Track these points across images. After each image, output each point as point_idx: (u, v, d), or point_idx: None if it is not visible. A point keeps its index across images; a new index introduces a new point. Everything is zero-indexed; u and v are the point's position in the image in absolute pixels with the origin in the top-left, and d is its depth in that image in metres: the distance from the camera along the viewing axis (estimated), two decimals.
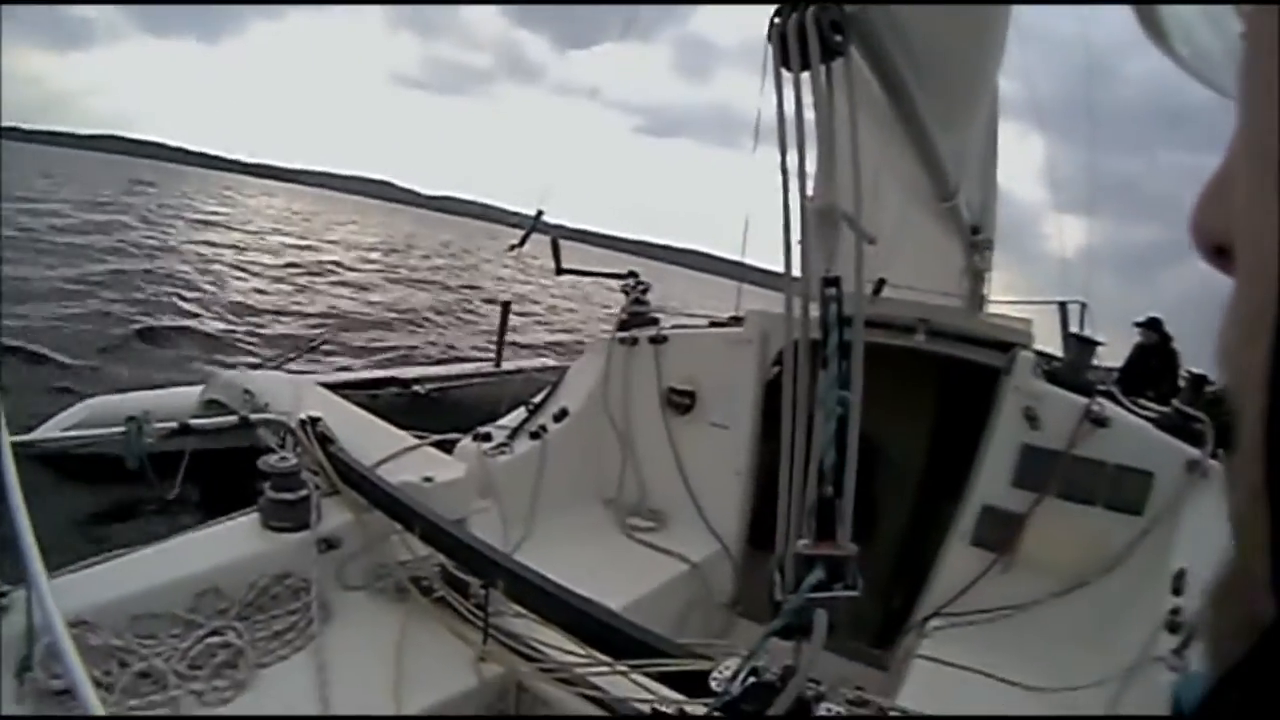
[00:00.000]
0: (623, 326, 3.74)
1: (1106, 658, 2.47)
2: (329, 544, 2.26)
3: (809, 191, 1.67)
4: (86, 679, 1.40)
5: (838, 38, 1.56)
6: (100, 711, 1.37)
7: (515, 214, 5.32)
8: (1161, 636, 2.27)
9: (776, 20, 1.60)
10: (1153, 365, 8.46)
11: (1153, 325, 8.91)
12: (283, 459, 2.33)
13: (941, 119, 2.66)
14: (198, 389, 3.89)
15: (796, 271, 1.61)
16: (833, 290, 1.59)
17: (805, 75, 1.60)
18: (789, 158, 1.61)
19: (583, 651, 1.89)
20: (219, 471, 2.79)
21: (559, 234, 4.12)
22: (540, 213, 5.00)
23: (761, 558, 3.43)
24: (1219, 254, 0.33)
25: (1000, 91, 5.47)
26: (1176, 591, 2.41)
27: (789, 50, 1.55)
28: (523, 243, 5.10)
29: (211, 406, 3.50)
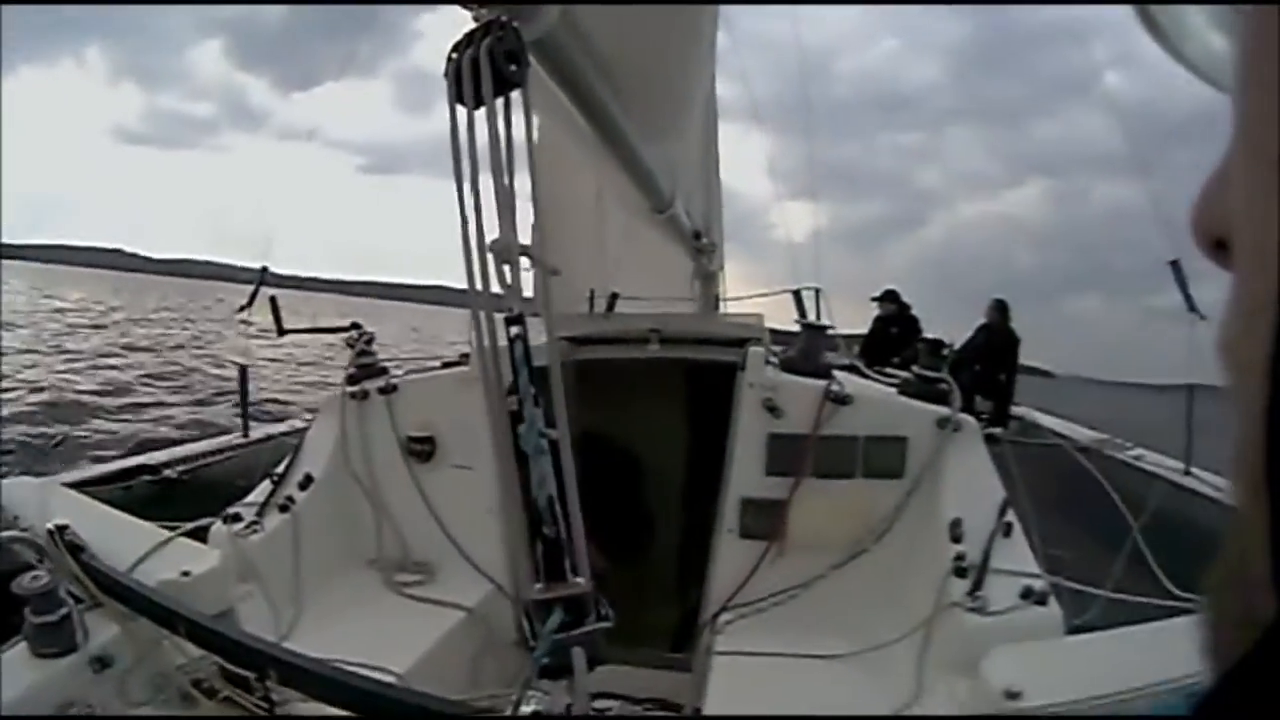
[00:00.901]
0: (351, 380, 3.52)
1: (903, 613, 2.55)
2: (102, 662, 2.06)
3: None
4: None
5: (513, 67, 1.47)
6: None
7: (249, 270, 4.96)
8: (952, 582, 2.36)
9: (454, 55, 1.49)
10: (894, 334, 8.94)
11: (889, 297, 9.45)
12: (36, 578, 2.08)
13: (645, 134, 2.66)
14: None
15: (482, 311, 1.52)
16: (516, 329, 1.50)
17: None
18: (465, 194, 1.50)
19: None
20: None
21: (291, 284, 3.79)
22: (265, 269, 4.62)
23: (550, 592, 3.33)
24: (1218, 249, 0.32)
25: (719, 96, 5.72)
26: (956, 539, 2.52)
27: (463, 85, 1.45)
28: (251, 301, 4.69)
29: None
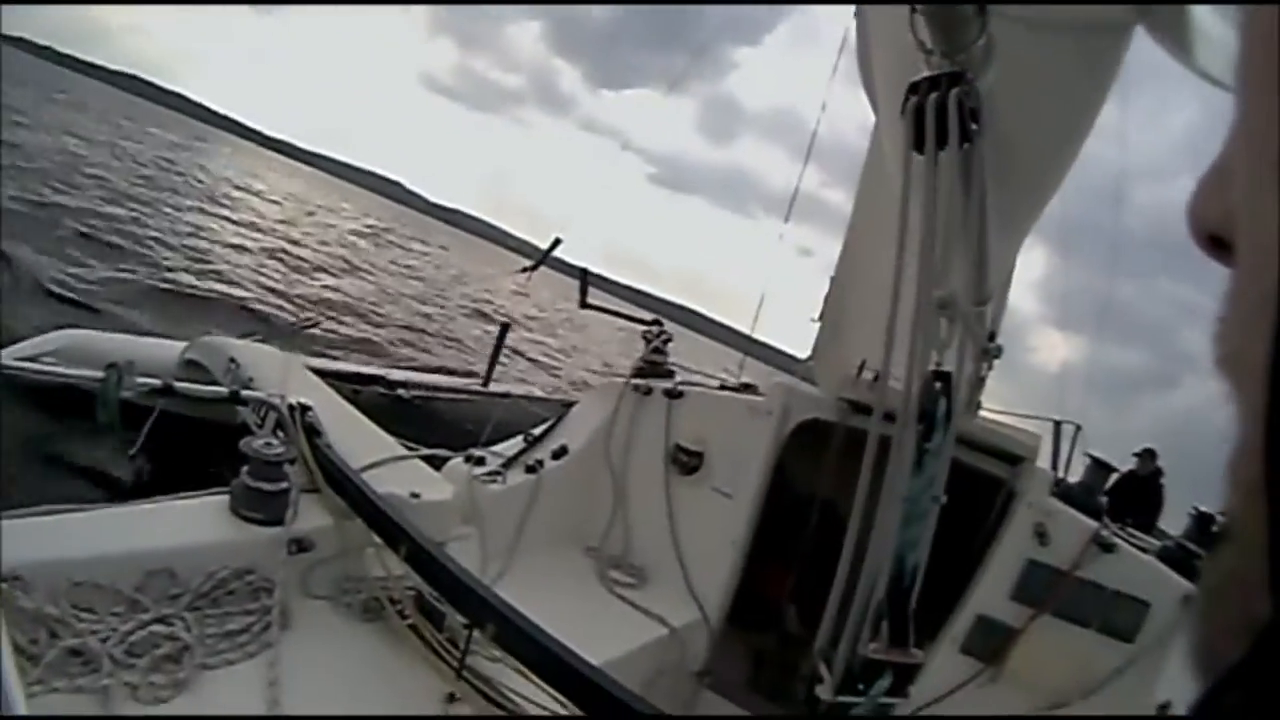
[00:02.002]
0: (639, 374, 3.63)
1: None
2: (300, 546, 2.08)
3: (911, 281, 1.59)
4: (8, 644, 1.24)
5: (974, 125, 1.50)
6: (14, 683, 1.20)
7: (519, 240, 5.23)
8: None
9: (913, 96, 1.54)
10: (1134, 493, 8.39)
11: (1149, 455, 8.93)
12: (269, 445, 2.14)
13: (1004, 222, 2.61)
14: (180, 344, 3.72)
15: (898, 360, 1.54)
16: (940, 384, 1.51)
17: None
18: (910, 242, 1.54)
19: (562, 710, 1.78)
20: (189, 438, 2.63)
21: (556, 268, 4.03)
22: (558, 240, 4.94)
23: (738, 635, 3.31)
24: (1214, 244, 0.33)
25: None
26: None
27: (924, 129, 1.49)
28: (536, 266, 5.03)
29: (191, 367, 3.34)
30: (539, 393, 5.90)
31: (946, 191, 1.54)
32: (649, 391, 3.57)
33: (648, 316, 4.08)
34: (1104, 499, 6.66)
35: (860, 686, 1.50)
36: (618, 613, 3.14)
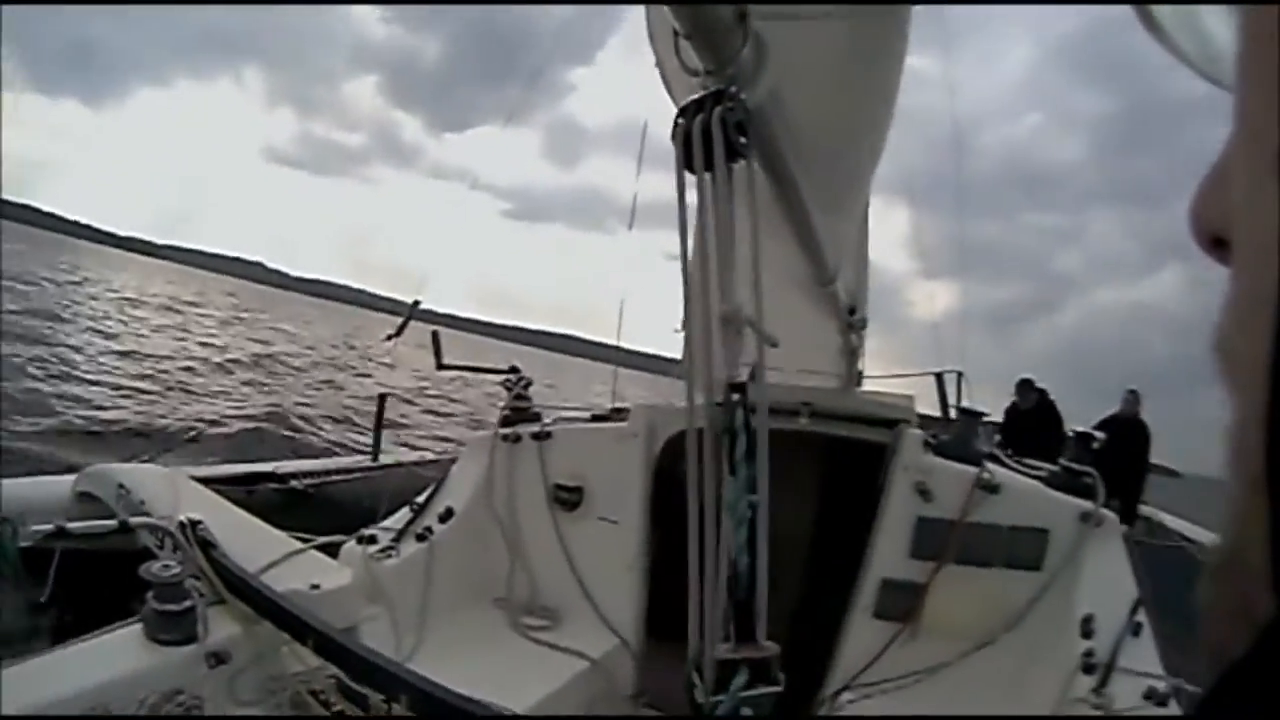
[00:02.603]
0: (505, 423, 3.66)
1: (1027, 705, 2.52)
2: (218, 658, 2.12)
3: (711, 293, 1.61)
4: None
5: (742, 140, 1.52)
6: None
7: (385, 299, 5.17)
8: (1079, 678, 2.33)
9: (681, 120, 1.56)
10: (1031, 423, 8.52)
11: (1027, 385, 9.16)
12: (166, 567, 2.17)
13: (826, 206, 2.68)
14: (69, 479, 3.56)
15: (700, 375, 1.56)
16: (738, 396, 1.53)
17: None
18: (694, 261, 1.55)
19: None
20: (94, 574, 2.60)
21: (427, 319, 3.98)
22: (417, 302, 4.86)
23: (662, 649, 3.34)
24: (1216, 245, 0.32)
25: None
26: (1086, 635, 2.49)
27: (692, 151, 1.51)
28: (400, 332, 4.93)
29: (84, 500, 3.22)
30: (430, 456, 5.82)
31: (726, 209, 1.55)
32: (518, 439, 3.61)
33: (504, 366, 4.08)
34: (998, 438, 6.95)
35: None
36: (537, 656, 3.15)
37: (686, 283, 1.57)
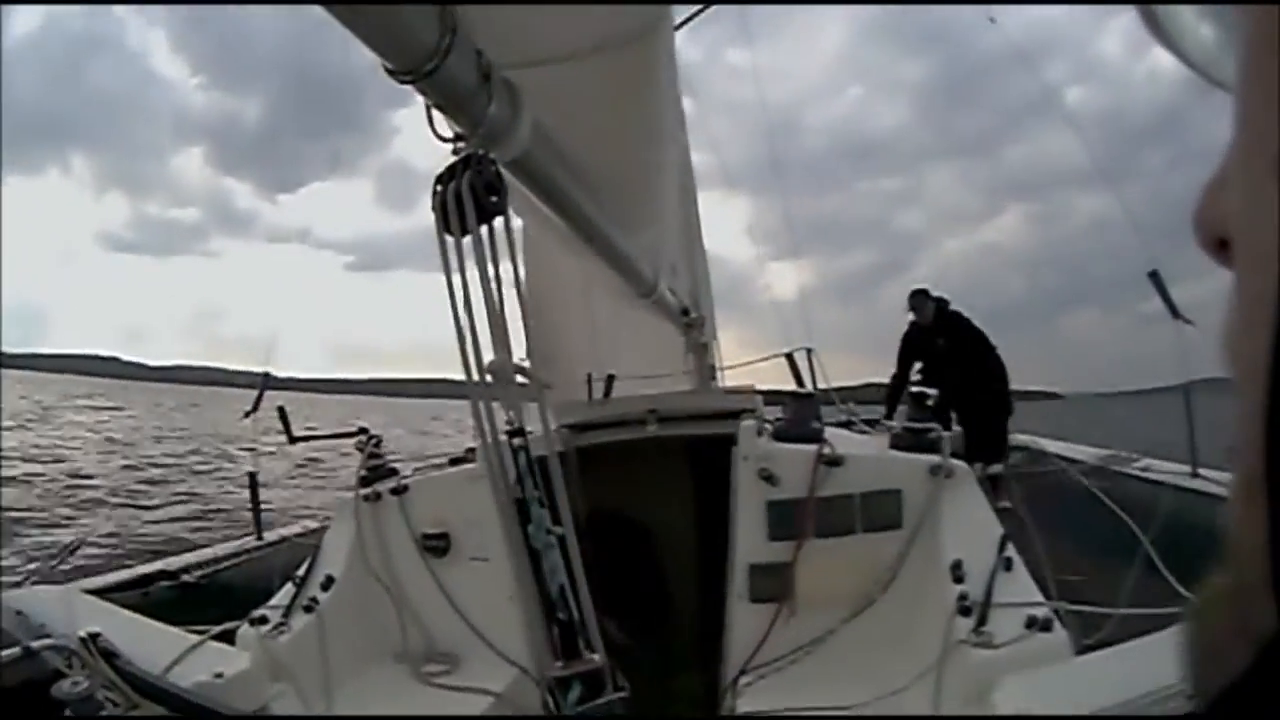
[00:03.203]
0: (364, 483, 3.64)
1: (915, 657, 2.60)
2: None
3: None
4: None
5: (494, 199, 1.61)
6: None
7: (245, 374, 5.06)
8: (958, 622, 2.44)
9: (439, 188, 1.63)
10: (939, 342, 7.02)
11: (921, 295, 7.20)
12: (75, 684, 2.16)
13: (622, 227, 2.81)
14: None
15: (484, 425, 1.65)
16: (519, 441, 1.63)
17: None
18: (460, 317, 1.63)
19: None
20: (7, 705, 2.47)
21: (290, 387, 3.94)
22: (267, 375, 4.75)
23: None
24: (1221, 247, 0.32)
25: (696, 164, 5.97)
26: (958, 580, 2.61)
27: (449, 217, 1.59)
28: (255, 408, 4.80)
29: None
30: (313, 525, 5.70)
31: (485, 267, 1.65)
32: (379, 496, 3.60)
33: (360, 424, 4.07)
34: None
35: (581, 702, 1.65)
36: (443, 700, 3.16)
37: (460, 339, 1.65)
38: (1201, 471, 4.69)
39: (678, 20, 6.11)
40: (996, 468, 5.99)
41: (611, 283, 3.33)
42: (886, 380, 7.47)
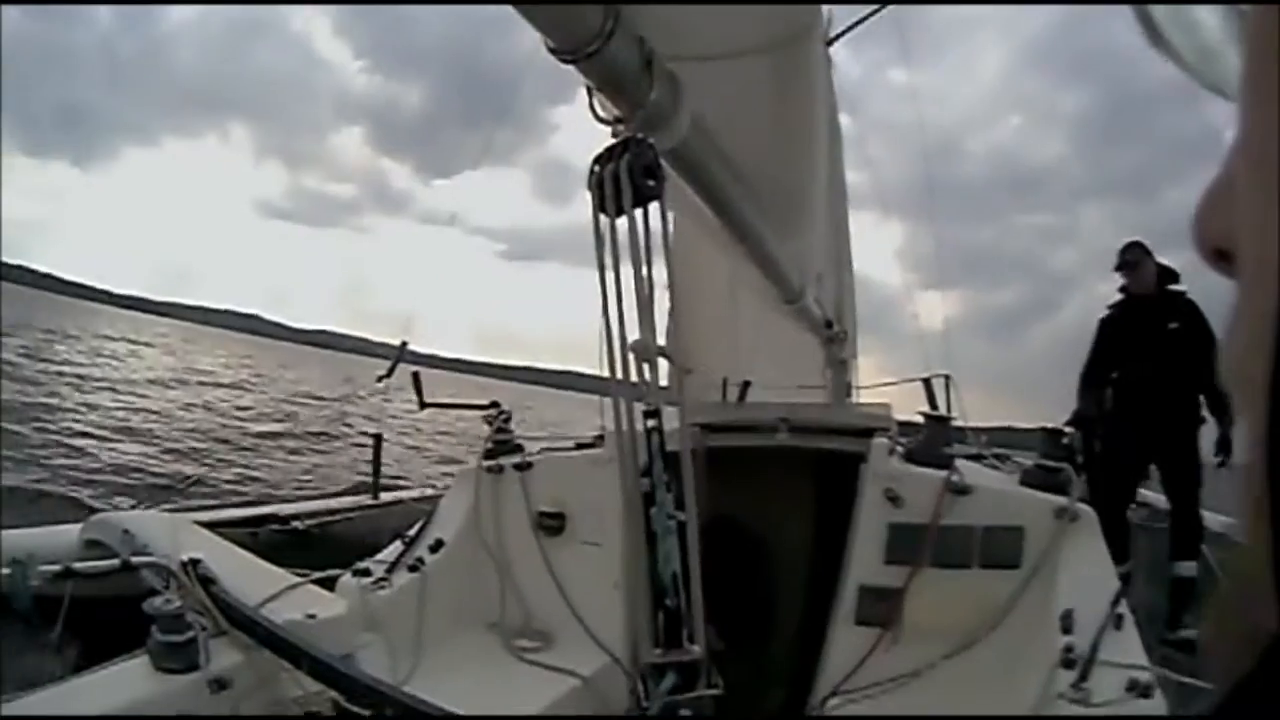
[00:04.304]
0: (488, 455, 3.73)
1: (1012, 704, 2.50)
2: (220, 684, 2.25)
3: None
4: None
5: (650, 182, 1.64)
6: None
7: (386, 346, 5.30)
8: (1059, 674, 2.31)
9: (596, 169, 1.67)
10: (1173, 329, 4.79)
11: (1136, 249, 5.00)
12: (168, 601, 2.31)
13: (774, 230, 2.80)
14: (76, 528, 3.71)
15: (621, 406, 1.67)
16: (653, 422, 1.64)
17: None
18: (609, 297, 1.67)
19: None
20: (102, 615, 2.74)
21: (430, 364, 4.14)
22: (404, 343, 4.99)
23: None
24: (1220, 257, 0.32)
25: (852, 184, 5.89)
26: (1066, 630, 2.47)
27: (605, 198, 1.62)
28: (390, 373, 5.06)
29: (91, 547, 3.35)
30: (430, 491, 5.91)
31: (637, 249, 1.68)
32: (501, 470, 3.68)
33: (484, 401, 4.17)
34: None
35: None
36: (530, 676, 3.19)
37: (605, 319, 1.68)
38: None
39: (838, 29, 6.04)
40: (1189, 569, 4.66)
41: (758, 285, 3.32)
42: (1022, 425, 6.40)
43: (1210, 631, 0.31)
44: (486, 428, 3.84)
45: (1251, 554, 0.27)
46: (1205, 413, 4.69)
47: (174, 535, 2.84)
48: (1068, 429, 3.44)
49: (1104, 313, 5.25)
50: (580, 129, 1.76)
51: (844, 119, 6.36)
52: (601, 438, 3.86)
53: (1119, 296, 5.14)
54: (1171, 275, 4.92)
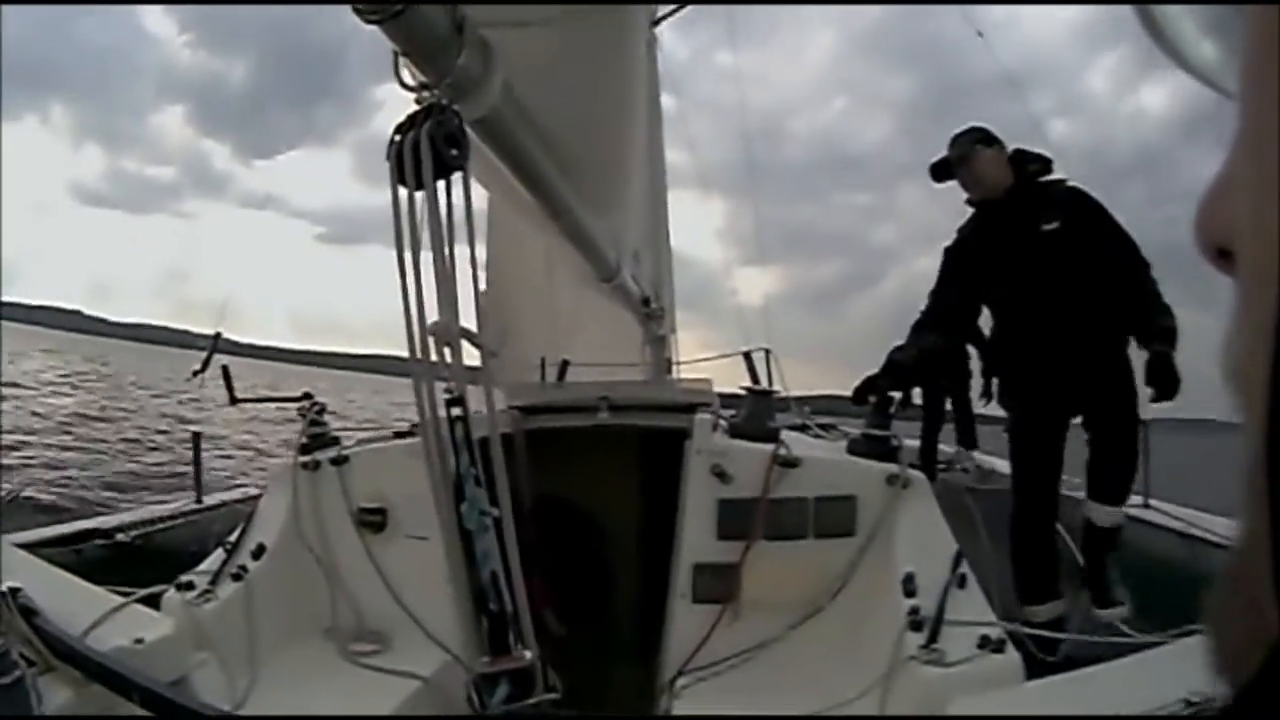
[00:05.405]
0: (304, 450, 3.49)
1: (861, 669, 2.53)
2: None
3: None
4: None
5: (454, 151, 1.51)
6: None
7: (207, 337, 4.95)
8: (908, 636, 2.36)
9: (396, 138, 1.53)
10: (1055, 227, 3.46)
11: (980, 134, 3.70)
12: None
13: (588, 205, 2.71)
14: None
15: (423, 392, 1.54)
16: (457, 410, 1.53)
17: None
18: (408, 275, 1.52)
19: None
20: None
21: (248, 354, 3.78)
22: (218, 335, 4.62)
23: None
24: (1221, 256, 0.31)
25: (673, 163, 5.90)
26: (909, 594, 2.53)
27: (405, 168, 1.48)
28: (204, 368, 4.65)
29: None
30: (254, 491, 5.52)
31: (437, 223, 1.54)
32: (318, 466, 3.46)
33: (298, 393, 3.93)
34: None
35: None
36: (370, 681, 3.01)
37: (405, 300, 1.54)
38: (1153, 503, 4.72)
39: (661, 12, 6.05)
40: (1118, 515, 3.62)
41: (573, 262, 3.22)
42: (844, 392, 5.61)
43: (1212, 632, 0.31)
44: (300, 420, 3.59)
45: (1252, 554, 0.27)
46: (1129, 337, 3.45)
47: None
48: (896, 392, 3.45)
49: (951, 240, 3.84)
50: (405, 107, 1.61)
51: (667, 99, 6.46)
52: (419, 425, 3.68)
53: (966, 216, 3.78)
54: (1042, 164, 3.59)
